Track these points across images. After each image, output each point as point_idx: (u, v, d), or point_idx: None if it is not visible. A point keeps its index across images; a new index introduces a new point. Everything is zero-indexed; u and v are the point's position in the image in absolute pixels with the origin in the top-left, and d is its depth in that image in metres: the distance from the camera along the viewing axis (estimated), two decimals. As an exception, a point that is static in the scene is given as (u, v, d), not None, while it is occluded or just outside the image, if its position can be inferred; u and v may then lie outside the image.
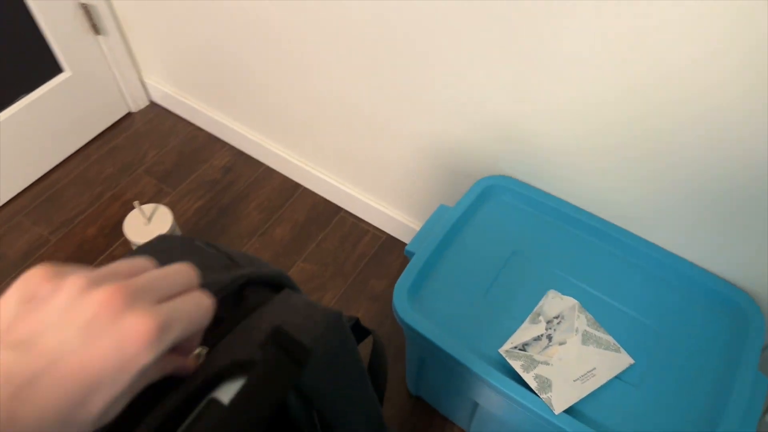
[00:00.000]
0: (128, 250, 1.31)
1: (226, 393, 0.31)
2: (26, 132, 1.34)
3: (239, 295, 0.37)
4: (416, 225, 1.24)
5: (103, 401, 0.25)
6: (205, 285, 0.36)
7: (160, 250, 0.40)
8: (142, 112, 1.59)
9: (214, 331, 0.36)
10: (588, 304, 0.85)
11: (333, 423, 0.35)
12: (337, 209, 1.39)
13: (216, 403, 0.30)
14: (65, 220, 1.36)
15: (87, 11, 1.32)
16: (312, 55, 1.06)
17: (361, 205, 1.32)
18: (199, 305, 0.30)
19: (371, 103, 1.04)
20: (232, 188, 1.44)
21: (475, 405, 0.90)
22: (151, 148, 1.50)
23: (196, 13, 1.19)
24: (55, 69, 1.35)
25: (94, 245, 1.32)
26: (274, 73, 1.17)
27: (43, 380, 0.24)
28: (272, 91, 1.23)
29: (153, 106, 1.60)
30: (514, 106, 0.86)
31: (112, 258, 1.29)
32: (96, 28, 1.36)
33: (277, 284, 0.40)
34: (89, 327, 0.25)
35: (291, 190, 1.43)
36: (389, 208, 1.27)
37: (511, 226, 0.92)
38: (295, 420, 0.34)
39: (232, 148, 1.52)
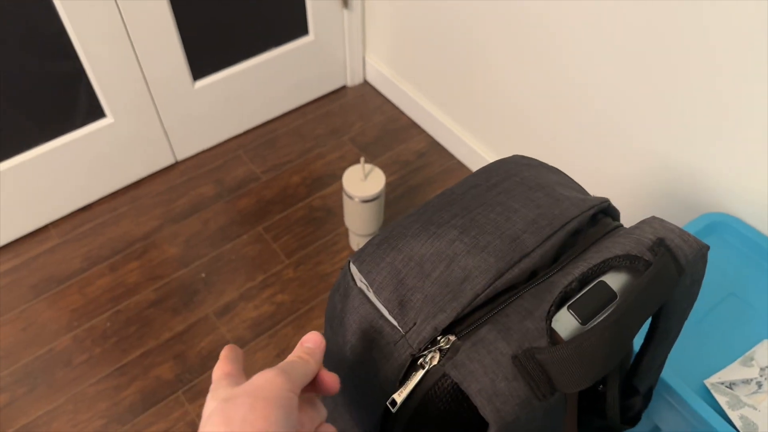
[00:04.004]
0: (323, 203, 1.43)
1: (613, 279, 0.35)
2: (264, 80, 1.51)
3: (593, 216, 0.42)
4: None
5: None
6: (584, 199, 0.41)
7: (526, 164, 0.45)
8: (355, 87, 1.72)
9: (572, 239, 0.40)
10: (805, 365, 0.81)
11: (661, 333, 0.39)
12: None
13: (604, 284, 0.35)
14: (276, 164, 1.51)
15: (343, -14, 1.46)
16: (558, 59, 1.10)
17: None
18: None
19: (611, 115, 1.07)
20: (422, 172, 1.52)
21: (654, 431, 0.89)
22: (358, 120, 1.63)
23: (439, 2, 1.28)
24: (302, 31, 1.51)
25: (295, 192, 1.45)
26: (505, 70, 1.23)
27: None
28: (495, 88, 1.29)
29: (365, 84, 1.73)
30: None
31: (310, 207, 1.42)
32: (346, 2, 1.50)
33: (614, 217, 0.44)
34: None
35: (478, 187, 1.48)
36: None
37: (732, 268, 0.91)
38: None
39: (428, 136, 1.60)
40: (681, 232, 0.38)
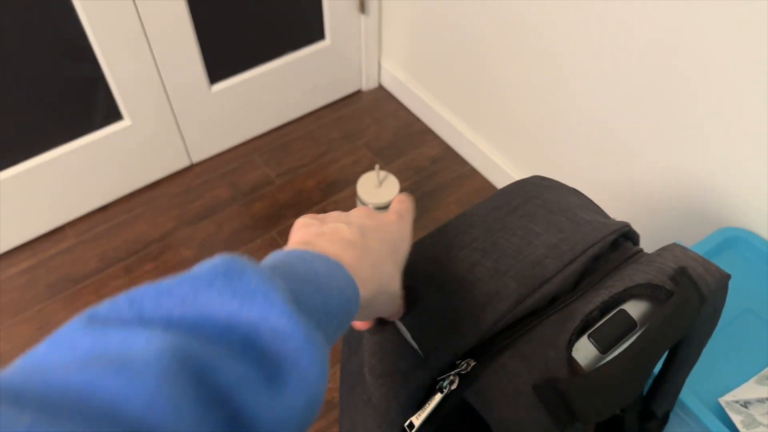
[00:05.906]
0: (337, 208, 1.43)
1: (633, 308, 0.35)
2: (279, 84, 1.52)
3: (614, 241, 0.42)
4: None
5: (404, 251, 0.38)
6: (605, 224, 0.41)
7: (546, 185, 0.45)
8: (370, 92, 1.72)
9: (593, 264, 0.40)
10: (822, 384, 0.80)
11: (681, 362, 0.39)
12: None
13: (625, 313, 0.35)
14: (290, 168, 1.51)
15: (360, -9, 1.46)
16: (571, 69, 1.10)
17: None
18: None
19: (624, 126, 1.06)
20: (436, 178, 1.52)
21: (666, 447, 0.88)
22: (373, 124, 1.63)
23: (455, 8, 1.28)
24: (319, 36, 1.52)
25: (309, 196, 1.46)
26: (521, 78, 1.23)
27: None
28: (510, 96, 1.29)
29: (380, 88, 1.73)
30: (792, 164, 0.83)
31: (323, 211, 1.42)
32: (363, 7, 1.50)
33: (634, 241, 0.44)
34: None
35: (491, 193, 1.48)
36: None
37: (749, 283, 0.90)
38: None
39: (442, 142, 1.60)
40: (703, 261, 0.38)
